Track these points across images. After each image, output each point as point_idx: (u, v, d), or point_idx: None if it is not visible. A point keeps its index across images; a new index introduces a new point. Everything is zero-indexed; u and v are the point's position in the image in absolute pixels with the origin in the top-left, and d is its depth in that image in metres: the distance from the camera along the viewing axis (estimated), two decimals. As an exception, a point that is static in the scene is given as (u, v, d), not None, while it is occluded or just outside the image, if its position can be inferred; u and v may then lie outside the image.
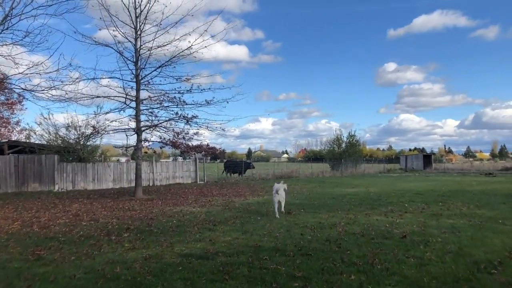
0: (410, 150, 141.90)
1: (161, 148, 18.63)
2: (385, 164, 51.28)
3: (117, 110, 18.49)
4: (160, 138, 18.83)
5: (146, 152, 20.65)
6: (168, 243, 8.27)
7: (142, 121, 18.98)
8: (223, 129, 19.15)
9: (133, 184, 26.90)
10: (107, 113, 18.14)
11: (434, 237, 8.40)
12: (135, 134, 18.88)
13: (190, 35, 18.33)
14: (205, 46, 18.58)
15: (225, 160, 42.39)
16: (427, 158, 54.86)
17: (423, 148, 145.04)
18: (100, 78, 17.96)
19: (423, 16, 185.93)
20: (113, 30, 17.48)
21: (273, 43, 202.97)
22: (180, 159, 45.76)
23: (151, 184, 27.61)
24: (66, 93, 17.03)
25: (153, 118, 18.58)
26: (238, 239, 8.63)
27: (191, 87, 18.64)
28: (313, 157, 54.58)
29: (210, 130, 19.10)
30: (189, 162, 30.72)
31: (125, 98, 18.41)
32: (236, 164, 36.18)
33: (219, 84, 19.29)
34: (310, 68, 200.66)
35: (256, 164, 47.62)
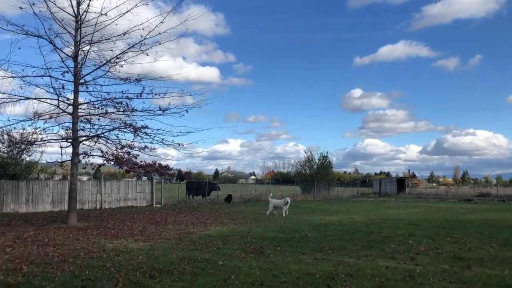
0: (376, 174, 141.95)
1: (101, 165, 14.95)
2: (358, 188, 48.80)
3: (47, 115, 14.73)
4: (102, 152, 15.17)
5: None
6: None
7: (80, 129, 15.32)
8: (180, 144, 15.73)
9: (77, 206, 22.98)
10: (31, 119, 14.30)
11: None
12: (71, 146, 15.17)
13: (143, 29, 14.99)
14: (160, 43, 15.28)
15: (186, 181, 38.54)
16: (401, 182, 52.84)
17: (388, 173, 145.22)
18: (26, 76, 14.22)
19: (388, 46, 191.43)
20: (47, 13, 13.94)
21: (244, 66, 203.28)
22: (144, 179, 41.57)
23: (98, 207, 23.60)
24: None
25: (91, 127, 14.96)
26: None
27: (142, 91, 15.23)
28: (281, 179, 51.54)
29: (165, 145, 15.64)
30: (145, 182, 26.89)
31: (58, 101, 14.75)
32: (200, 185, 32.51)
33: (180, 92, 15.87)
34: (279, 92, 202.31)
35: (222, 186, 44.02)
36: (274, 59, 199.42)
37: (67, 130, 14.63)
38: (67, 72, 14.41)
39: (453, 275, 7.15)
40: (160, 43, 15.37)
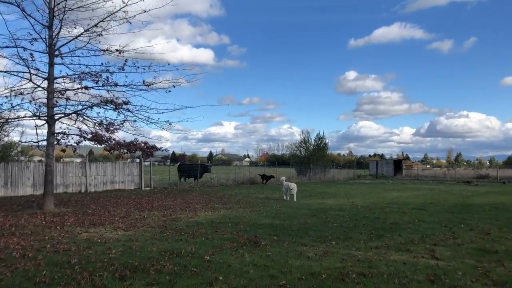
0: (370, 156, 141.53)
1: (77, 143, 13.54)
2: (355, 170, 47.75)
3: (18, 90, 13.25)
4: (80, 130, 13.75)
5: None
6: None
7: (57, 106, 13.89)
8: (168, 122, 14.34)
9: (59, 190, 21.69)
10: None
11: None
12: (46, 124, 13.76)
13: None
14: (145, 11, 13.73)
15: (178, 163, 37.19)
16: (397, 164, 51.85)
17: (382, 155, 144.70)
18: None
19: (383, 28, 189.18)
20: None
21: (238, 48, 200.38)
22: (129, 160, 40.14)
23: (82, 191, 22.29)
24: None
25: (66, 103, 13.51)
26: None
27: (125, 63, 13.76)
28: (276, 161, 50.37)
29: (151, 123, 14.26)
30: (133, 164, 25.51)
31: (30, 74, 13.25)
32: (192, 168, 31.18)
33: (165, 65, 14.41)
34: (274, 74, 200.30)
35: (216, 168, 42.77)
36: (269, 41, 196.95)
37: (40, 106, 13.17)
38: (36, 39, 12.86)
39: (485, 273, 5.95)
40: (145, 11, 13.85)
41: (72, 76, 13.97)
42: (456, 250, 7.51)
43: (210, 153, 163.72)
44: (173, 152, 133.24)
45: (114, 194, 20.55)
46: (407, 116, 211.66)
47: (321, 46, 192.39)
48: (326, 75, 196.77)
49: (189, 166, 32.28)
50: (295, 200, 16.71)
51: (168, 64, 14.22)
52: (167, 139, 65.17)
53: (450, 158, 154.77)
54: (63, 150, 15.51)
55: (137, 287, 5.30)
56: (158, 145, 14.23)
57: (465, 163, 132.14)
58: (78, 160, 36.33)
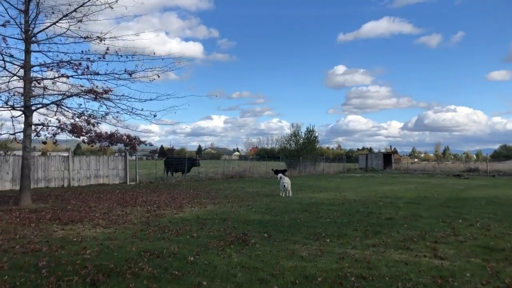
0: (358, 149, 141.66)
1: (54, 135, 12.77)
2: (344, 163, 47.40)
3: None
4: (59, 121, 12.99)
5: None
6: None
7: (33, 97, 13.08)
8: (153, 114, 13.62)
9: (41, 185, 20.88)
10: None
11: None
12: (23, 115, 12.98)
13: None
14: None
15: (165, 157, 36.35)
16: (387, 157, 51.63)
17: (370, 148, 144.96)
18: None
19: (371, 22, 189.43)
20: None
21: (228, 42, 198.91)
22: (116, 154, 39.13)
23: (65, 185, 21.48)
24: None
25: (43, 92, 12.70)
26: None
27: (106, 51, 12.99)
28: (265, 155, 49.81)
29: (134, 114, 13.55)
30: (117, 158, 24.69)
31: (4, 61, 12.45)
32: (179, 161, 30.43)
33: (150, 55, 13.65)
34: (264, 68, 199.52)
35: (205, 162, 42.04)
36: (258, 35, 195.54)
37: (13, 95, 12.35)
38: (9, 22, 12.04)
39: (495, 274, 5.44)
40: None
41: (50, 65, 13.18)
42: (459, 248, 7.00)
43: (199, 147, 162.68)
44: (162, 146, 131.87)
45: (97, 188, 19.79)
46: (395, 110, 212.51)
47: (310, 40, 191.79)
48: (315, 69, 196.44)
49: (176, 160, 31.53)
50: (290, 195, 16.12)
51: (154, 53, 13.49)
52: (151, 131, 64.08)
53: (438, 152, 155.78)
54: (44, 143, 14.73)
55: (108, 295, 4.67)
56: (142, 138, 13.53)
57: (452, 157, 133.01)
58: (66, 154, 35.34)
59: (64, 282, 5.07)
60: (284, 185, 16.16)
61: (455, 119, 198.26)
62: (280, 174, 19.08)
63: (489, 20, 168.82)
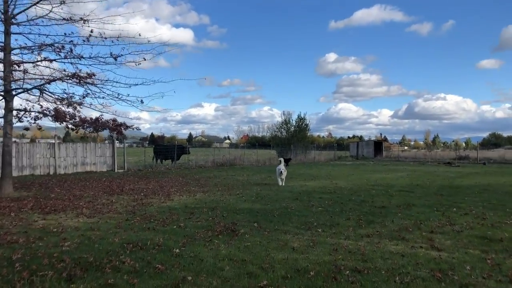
0: (348, 137, 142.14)
1: (35, 120, 12.26)
2: (335, 151, 47.27)
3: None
4: (41, 106, 12.47)
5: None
6: None
7: (14, 81, 12.53)
8: (140, 100, 13.16)
9: (26, 172, 20.38)
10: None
11: None
12: (3, 101, 12.44)
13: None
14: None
15: (154, 145, 35.80)
16: (378, 145, 51.63)
17: (361, 136, 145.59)
18: None
19: (363, 10, 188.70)
20: None
21: (218, 29, 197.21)
22: (106, 142, 38.47)
23: (51, 173, 20.98)
24: None
25: (24, 76, 12.15)
26: None
27: (90, 34, 12.44)
28: (256, 143, 49.48)
29: (120, 100, 13.07)
30: (105, 145, 24.18)
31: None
32: (168, 149, 29.96)
33: (135, 37, 13.13)
34: (255, 56, 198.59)
35: (195, 150, 41.59)
36: (249, 22, 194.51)
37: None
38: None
39: (496, 267, 5.18)
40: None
41: (31, 47, 12.61)
42: (456, 239, 6.74)
43: (190, 135, 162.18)
44: (152, 133, 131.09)
45: (84, 176, 19.32)
46: (385, 99, 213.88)
47: (301, 28, 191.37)
48: (307, 57, 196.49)
49: (165, 148, 31.06)
50: (283, 184, 15.60)
51: (139, 34, 12.96)
52: (138, 118, 63.24)
53: (427, 140, 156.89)
54: (27, 129, 14.22)
55: (85, 292, 4.31)
56: (128, 123, 13.08)
57: (442, 145, 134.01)
58: (57, 141, 34.65)
59: (37, 277, 4.70)
60: (281, 171, 15.48)
61: (445, 107, 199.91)
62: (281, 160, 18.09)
63: (480, 9, 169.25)
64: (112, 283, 4.54)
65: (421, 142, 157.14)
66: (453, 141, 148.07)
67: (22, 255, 5.68)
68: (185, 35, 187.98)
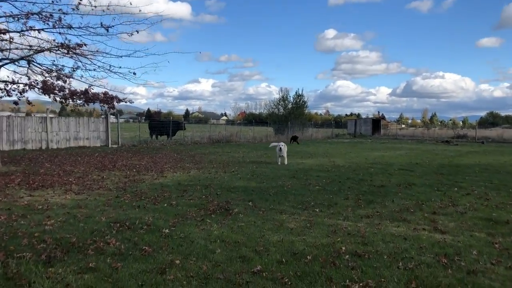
0: (346, 115, 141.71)
1: (21, 93, 11.75)
2: (333, 129, 46.90)
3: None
4: (29, 78, 11.95)
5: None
6: None
7: (0, 50, 11.95)
8: (132, 72, 12.63)
9: (17, 146, 19.89)
10: None
11: None
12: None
13: None
14: None
15: (149, 120, 35.29)
16: (376, 123, 51.28)
17: (358, 114, 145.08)
18: None
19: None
20: None
21: (217, 3, 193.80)
22: (102, 117, 37.87)
23: (43, 147, 20.52)
24: None
25: (10, 46, 11.55)
26: None
27: (79, 2, 11.79)
28: (253, 120, 49.00)
29: (112, 72, 12.54)
30: (98, 120, 23.67)
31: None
32: (164, 124, 29.49)
33: (126, 5, 12.44)
34: (253, 31, 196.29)
35: (191, 126, 41.07)
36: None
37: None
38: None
39: (505, 251, 4.87)
40: None
41: (17, 16, 11.97)
42: (460, 220, 6.43)
43: (187, 111, 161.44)
44: (148, 109, 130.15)
45: (76, 151, 18.92)
46: (384, 76, 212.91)
47: (301, 2, 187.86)
48: (305, 33, 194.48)
49: (161, 123, 30.58)
50: (279, 163, 14.67)
51: (130, 3, 12.31)
52: (134, 93, 62.16)
53: (425, 118, 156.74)
54: (16, 103, 13.74)
55: (63, 277, 3.97)
56: (120, 96, 12.59)
57: (439, 123, 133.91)
58: (52, 115, 34.08)
59: (14, 260, 4.35)
60: (280, 148, 14.60)
61: (443, 85, 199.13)
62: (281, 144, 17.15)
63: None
64: (94, 267, 4.20)
65: (419, 121, 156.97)
66: (450, 120, 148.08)
67: (1, 234, 5.34)
68: (182, 9, 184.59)
